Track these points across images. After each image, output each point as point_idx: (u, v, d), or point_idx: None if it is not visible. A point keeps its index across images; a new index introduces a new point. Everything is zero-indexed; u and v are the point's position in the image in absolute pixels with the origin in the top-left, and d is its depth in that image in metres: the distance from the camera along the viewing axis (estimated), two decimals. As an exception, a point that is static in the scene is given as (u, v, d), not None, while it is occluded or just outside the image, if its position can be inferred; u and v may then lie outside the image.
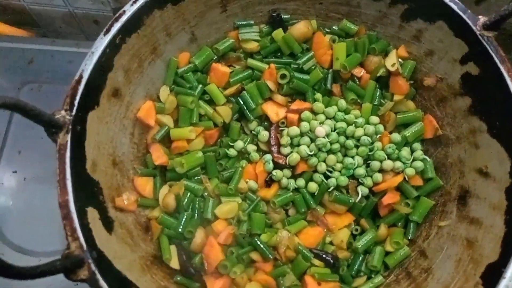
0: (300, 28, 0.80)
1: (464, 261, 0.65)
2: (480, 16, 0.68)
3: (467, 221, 0.69)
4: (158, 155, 0.75)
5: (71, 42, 1.02)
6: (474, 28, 0.68)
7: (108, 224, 0.65)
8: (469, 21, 0.68)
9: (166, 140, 0.79)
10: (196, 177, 0.76)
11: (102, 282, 0.55)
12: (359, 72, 0.80)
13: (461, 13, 0.69)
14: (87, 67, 0.64)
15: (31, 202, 0.88)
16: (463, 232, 0.68)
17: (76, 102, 0.62)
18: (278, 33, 0.80)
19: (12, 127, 0.93)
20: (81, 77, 0.64)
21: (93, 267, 0.55)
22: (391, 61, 0.78)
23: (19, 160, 0.91)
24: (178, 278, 0.69)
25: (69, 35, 1.16)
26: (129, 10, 0.68)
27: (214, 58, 0.82)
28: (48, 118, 0.59)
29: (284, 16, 0.81)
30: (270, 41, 0.81)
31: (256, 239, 0.70)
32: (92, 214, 0.63)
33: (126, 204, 0.69)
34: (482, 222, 0.66)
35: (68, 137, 0.61)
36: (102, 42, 0.66)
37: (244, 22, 0.81)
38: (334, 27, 0.82)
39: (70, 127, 0.61)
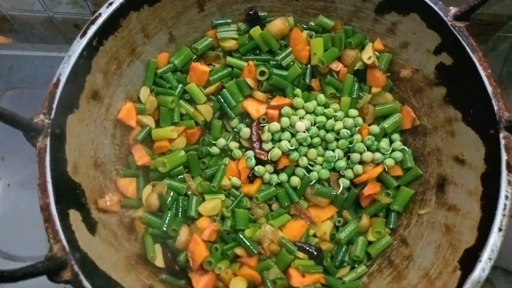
0: (277, 24, 0.81)
1: (443, 247, 0.67)
2: (451, 7, 0.70)
3: (445, 208, 0.70)
4: (140, 156, 0.76)
5: (52, 47, 1.02)
6: (445, 19, 0.69)
7: (91, 226, 0.65)
8: (440, 12, 0.70)
9: (148, 140, 0.79)
10: (179, 176, 0.77)
11: (85, 283, 0.55)
12: (336, 66, 0.81)
13: (432, 5, 0.70)
14: (65, 71, 0.65)
15: (16, 208, 0.88)
16: (442, 219, 0.70)
17: (54, 106, 0.63)
18: (256, 31, 0.81)
19: (-6, 133, 0.93)
20: (58, 80, 0.64)
21: (76, 268, 0.56)
22: (368, 55, 0.79)
23: (3, 166, 0.91)
24: (164, 276, 0.70)
25: (50, 40, 1.16)
26: (105, 12, 0.69)
27: (193, 58, 0.82)
28: (26, 122, 0.60)
29: (261, 14, 0.82)
30: (248, 38, 0.82)
31: (240, 235, 0.71)
32: (75, 216, 0.63)
33: (109, 205, 0.70)
34: (460, 208, 0.68)
35: (47, 140, 0.61)
36: (79, 45, 0.66)
37: (221, 21, 0.82)
38: (311, 23, 0.83)
39: (49, 130, 0.61)
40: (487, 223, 0.61)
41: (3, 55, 0.99)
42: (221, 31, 0.82)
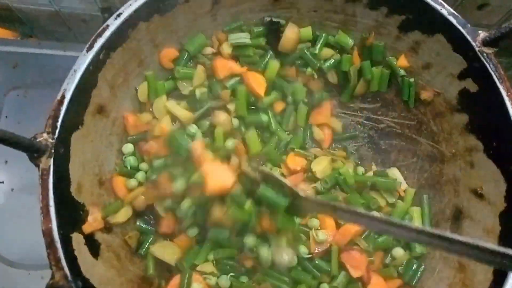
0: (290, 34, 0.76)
1: (455, 285, 0.64)
2: (480, 31, 0.65)
3: (460, 243, 0.68)
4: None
5: (57, 44, 0.98)
6: (473, 44, 0.65)
7: (94, 249, 0.64)
8: (468, 37, 0.65)
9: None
10: None
11: (87, 313, 0.54)
12: None
13: (460, 28, 0.66)
14: (70, 87, 0.62)
15: (19, 213, 0.87)
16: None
17: (58, 124, 0.60)
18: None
19: (-2, 135, 0.91)
20: (63, 97, 0.61)
21: (78, 298, 0.54)
22: None
23: (6, 170, 0.89)
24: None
25: (56, 34, 1.12)
26: (113, 24, 0.65)
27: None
28: (28, 143, 0.57)
29: (276, 20, 0.77)
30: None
31: None
32: (77, 239, 0.61)
33: (94, 225, 0.67)
34: (475, 245, 0.65)
35: (51, 161, 0.59)
36: (84, 59, 0.63)
37: (234, 25, 0.77)
38: (330, 38, 0.78)
39: (53, 150, 0.59)
40: (503, 266, 0.59)
41: (8, 52, 0.95)
42: (234, 39, 0.78)
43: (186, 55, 0.76)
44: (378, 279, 0.70)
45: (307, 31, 0.78)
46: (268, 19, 0.78)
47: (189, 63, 0.77)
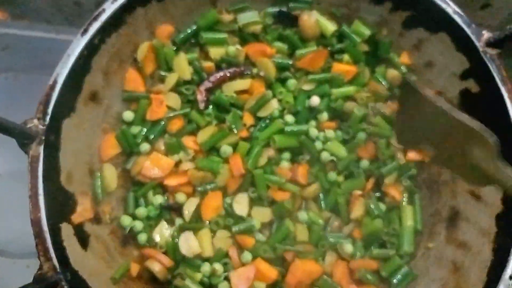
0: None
1: (449, 286, 0.64)
2: (484, 31, 0.64)
3: (455, 244, 0.67)
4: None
5: (49, 27, 0.95)
6: (477, 44, 0.64)
7: (83, 240, 0.62)
8: (472, 36, 0.64)
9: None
10: None
11: (76, 306, 0.53)
12: None
13: (465, 27, 0.65)
14: (62, 71, 0.60)
15: (6, 199, 0.84)
16: (450, 255, 0.67)
17: (49, 110, 0.58)
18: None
19: (-15, 117, 0.88)
20: (55, 82, 0.60)
21: (66, 289, 0.53)
22: None
23: (-6, 154, 0.87)
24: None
25: (48, 17, 1.08)
26: (110, 8, 0.63)
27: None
28: (19, 129, 0.56)
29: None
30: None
31: None
32: (67, 230, 0.60)
33: (83, 215, 0.64)
34: (470, 246, 0.65)
35: (41, 148, 0.57)
36: (78, 44, 0.61)
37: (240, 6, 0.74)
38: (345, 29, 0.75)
39: (43, 137, 0.57)
40: (498, 268, 0.59)
41: (-2, 33, 0.92)
42: (242, 17, 0.74)
43: (189, 30, 0.73)
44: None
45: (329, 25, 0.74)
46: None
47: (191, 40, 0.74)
